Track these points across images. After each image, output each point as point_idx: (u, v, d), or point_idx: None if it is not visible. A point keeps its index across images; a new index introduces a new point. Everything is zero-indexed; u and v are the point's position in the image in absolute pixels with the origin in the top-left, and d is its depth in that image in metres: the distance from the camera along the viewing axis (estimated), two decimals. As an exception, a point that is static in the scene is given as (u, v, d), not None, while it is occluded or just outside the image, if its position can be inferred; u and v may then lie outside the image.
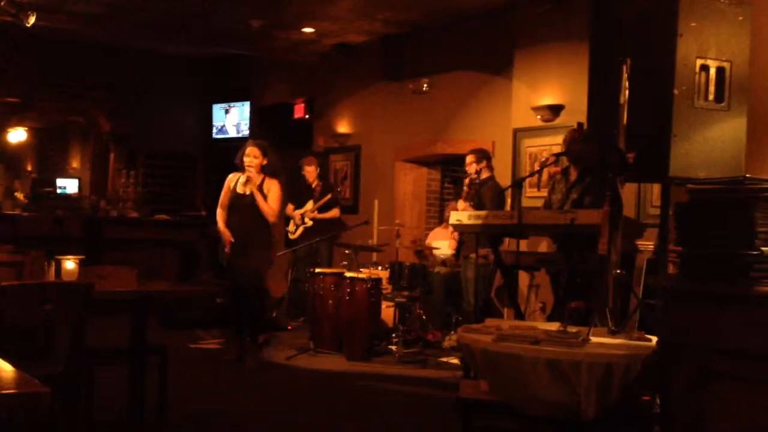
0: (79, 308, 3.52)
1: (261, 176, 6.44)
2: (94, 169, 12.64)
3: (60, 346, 3.88)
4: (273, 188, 6.44)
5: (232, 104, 12.43)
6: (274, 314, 8.55)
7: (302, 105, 10.91)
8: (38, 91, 11.27)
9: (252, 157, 6.41)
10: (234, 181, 6.53)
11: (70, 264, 3.89)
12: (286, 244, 9.18)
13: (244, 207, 6.40)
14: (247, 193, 6.38)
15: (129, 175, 10.38)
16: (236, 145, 12.10)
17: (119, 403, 4.37)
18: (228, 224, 6.48)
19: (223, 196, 6.55)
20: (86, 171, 13.53)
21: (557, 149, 5.83)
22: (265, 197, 6.39)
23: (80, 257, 3.99)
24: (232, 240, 6.38)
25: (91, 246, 8.80)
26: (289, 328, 8.58)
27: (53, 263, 3.94)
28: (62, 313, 3.50)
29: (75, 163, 15.08)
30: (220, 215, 6.54)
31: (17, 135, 15.70)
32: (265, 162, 6.45)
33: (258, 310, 6.77)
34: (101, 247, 9.13)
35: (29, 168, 16.60)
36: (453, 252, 7.69)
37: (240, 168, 6.48)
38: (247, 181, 6.37)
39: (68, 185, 13.19)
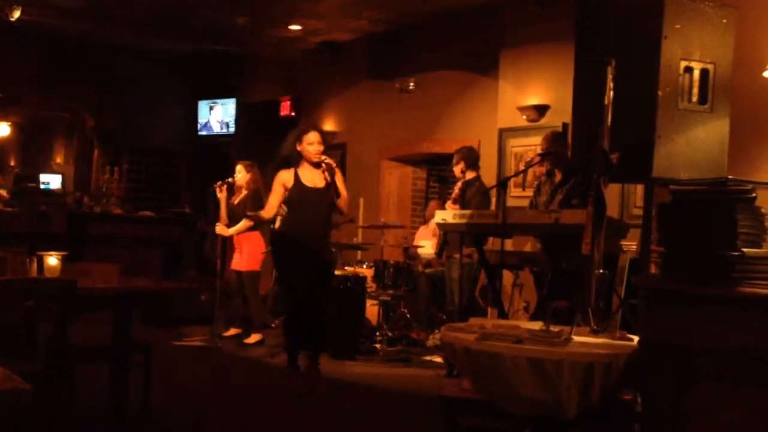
0: (62, 305, 3.50)
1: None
2: (78, 165, 12.58)
3: (42, 343, 3.85)
4: (339, 177, 5.72)
5: (217, 101, 12.39)
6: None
7: (288, 102, 10.89)
8: (22, 86, 11.19)
9: (317, 143, 5.62)
10: (291, 179, 5.67)
11: (52, 260, 3.87)
12: (271, 241, 9.16)
13: (316, 202, 5.65)
14: (322, 185, 5.62)
15: (113, 171, 10.32)
16: (222, 142, 12.19)
17: (102, 401, 4.34)
18: (290, 223, 5.79)
19: (278, 199, 5.72)
20: (70, 167, 13.46)
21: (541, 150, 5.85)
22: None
23: (63, 253, 3.96)
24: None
25: (74, 242, 8.75)
26: (273, 325, 8.57)
27: (35, 259, 3.91)
28: (44, 310, 3.48)
29: (59, 159, 14.98)
30: (266, 214, 5.88)
31: (0, 130, 15.58)
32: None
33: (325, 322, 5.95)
34: (85, 244, 9.08)
35: (12, 163, 16.47)
36: (435, 251, 7.71)
37: (290, 162, 5.72)
38: (327, 169, 5.56)
39: (51, 181, 13.11)
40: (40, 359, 3.67)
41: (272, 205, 5.77)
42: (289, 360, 5.74)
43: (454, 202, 6.60)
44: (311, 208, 5.64)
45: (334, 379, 6.00)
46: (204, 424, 4.78)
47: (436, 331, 7.13)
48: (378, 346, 6.98)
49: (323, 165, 5.58)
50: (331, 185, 5.57)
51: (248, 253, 7.54)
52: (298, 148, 5.64)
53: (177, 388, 5.49)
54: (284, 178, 5.68)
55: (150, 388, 4.47)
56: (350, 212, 9.11)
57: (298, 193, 5.64)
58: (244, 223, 7.48)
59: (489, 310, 7.09)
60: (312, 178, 5.64)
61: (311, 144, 5.60)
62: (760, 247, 2.53)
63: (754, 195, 2.53)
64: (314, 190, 5.62)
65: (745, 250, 2.47)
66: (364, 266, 7.89)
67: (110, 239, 9.20)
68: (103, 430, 4.33)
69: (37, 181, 12.51)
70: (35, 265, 3.88)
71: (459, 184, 6.82)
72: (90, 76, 11.51)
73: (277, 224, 8.65)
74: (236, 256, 7.58)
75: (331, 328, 6.89)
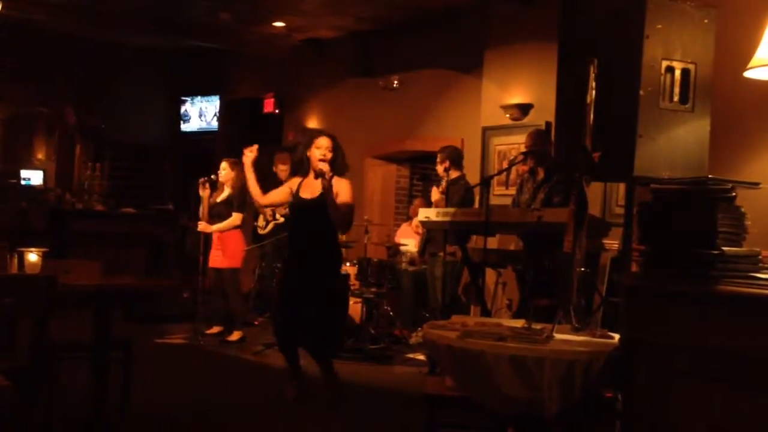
0: (42, 301, 3.48)
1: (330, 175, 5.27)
2: (60, 161, 12.47)
3: (22, 340, 3.83)
4: (343, 188, 5.27)
5: (201, 98, 12.34)
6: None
7: (272, 100, 10.88)
8: (3, 81, 11.08)
9: (325, 149, 5.27)
10: (295, 187, 5.38)
11: (32, 257, 3.84)
12: (254, 239, 9.16)
13: (308, 215, 5.27)
14: (316, 194, 5.22)
15: (95, 168, 10.25)
16: (205, 139, 12.16)
17: (82, 398, 4.32)
18: (289, 237, 5.55)
19: (279, 196, 5.54)
20: (51, 163, 13.35)
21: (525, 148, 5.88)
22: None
23: (43, 250, 3.93)
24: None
25: (56, 239, 8.69)
26: (256, 323, 8.57)
27: (16, 256, 3.88)
28: (24, 307, 3.46)
29: (40, 155, 14.84)
30: (261, 198, 5.50)
31: (-19, 125, 15.43)
32: (332, 156, 5.32)
33: (329, 335, 5.54)
34: (66, 241, 9.01)
35: (-7, 159, 16.32)
36: (417, 249, 7.72)
37: (300, 168, 5.44)
38: (319, 176, 5.13)
39: (33, 177, 12.99)
40: (21, 356, 3.64)
41: (271, 195, 5.54)
42: (287, 364, 5.45)
43: (442, 192, 6.58)
44: (303, 221, 5.31)
45: (317, 377, 6.00)
46: (185, 422, 4.76)
47: (419, 329, 7.15)
48: (361, 343, 6.98)
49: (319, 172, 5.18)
50: (325, 195, 5.14)
51: (229, 251, 7.52)
52: (308, 153, 5.32)
53: (158, 386, 5.47)
54: (293, 182, 5.46)
55: (131, 385, 4.45)
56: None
57: (294, 204, 5.37)
58: (229, 221, 7.47)
59: (472, 308, 7.11)
60: (310, 189, 5.29)
61: (318, 148, 5.27)
62: (740, 245, 2.55)
63: (734, 194, 2.55)
64: (307, 202, 5.26)
65: (725, 248, 2.49)
66: (348, 264, 7.89)
67: (92, 236, 9.12)
68: (84, 427, 4.31)
69: (18, 177, 12.40)
70: (16, 261, 3.86)
71: (443, 185, 6.81)
72: (72, 71, 11.42)
73: (268, 228, 8.72)
74: (216, 253, 7.55)
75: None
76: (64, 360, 4.24)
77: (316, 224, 5.24)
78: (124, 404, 4.42)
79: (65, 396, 4.36)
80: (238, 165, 7.68)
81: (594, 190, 5.94)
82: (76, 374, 4.37)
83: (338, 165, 5.33)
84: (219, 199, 7.60)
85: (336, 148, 5.36)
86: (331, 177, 5.13)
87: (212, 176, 7.59)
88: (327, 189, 5.11)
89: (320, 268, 5.32)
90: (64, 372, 4.27)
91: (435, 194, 6.62)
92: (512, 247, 6.37)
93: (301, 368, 5.46)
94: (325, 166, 5.15)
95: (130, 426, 4.44)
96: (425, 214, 5.73)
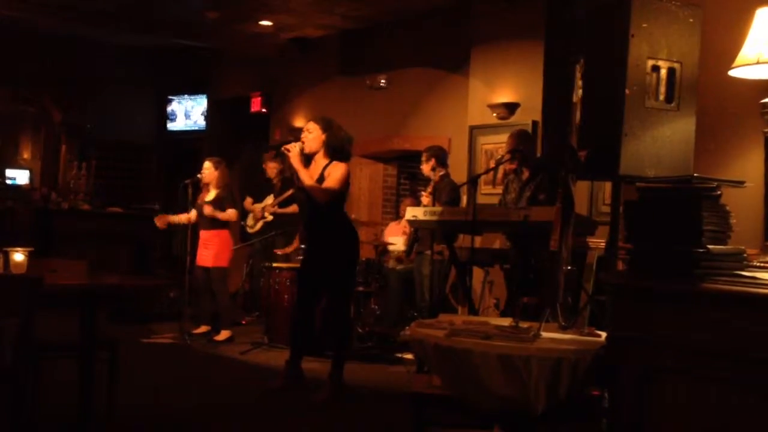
0: (27, 301, 3.46)
1: (326, 159, 5.38)
2: (46, 161, 12.41)
3: (7, 340, 3.80)
4: (334, 172, 5.32)
5: (188, 97, 12.30)
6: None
7: (259, 98, 10.85)
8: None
9: (306, 132, 5.38)
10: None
11: (18, 256, 3.81)
12: (242, 237, 9.14)
13: (303, 199, 5.43)
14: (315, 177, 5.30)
15: (81, 167, 10.20)
16: (192, 138, 12.11)
17: (68, 399, 4.30)
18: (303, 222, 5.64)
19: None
20: (37, 162, 13.28)
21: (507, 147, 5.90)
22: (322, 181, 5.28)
23: (29, 249, 3.90)
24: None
25: (41, 238, 8.65)
26: (244, 322, 8.55)
27: (1, 255, 3.85)
28: (9, 306, 3.43)
29: (26, 154, 14.77)
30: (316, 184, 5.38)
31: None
32: (324, 136, 5.37)
33: (345, 329, 5.58)
34: (52, 240, 8.98)
35: (-22, 159, 16.20)
36: (404, 249, 7.73)
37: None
38: (280, 153, 5.39)
39: (18, 176, 12.92)
40: (6, 356, 3.62)
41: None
42: (290, 356, 5.58)
43: (430, 193, 6.60)
44: (302, 206, 5.56)
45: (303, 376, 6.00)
46: (172, 423, 4.75)
47: (407, 327, 7.15)
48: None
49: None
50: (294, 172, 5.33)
51: (218, 249, 7.50)
52: None
53: (145, 386, 5.45)
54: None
55: (117, 386, 4.42)
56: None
57: (298, 192, 5.58)
58: (228, 214, 7.46)
59: (459, 306, 7.12)
60: (310, 173, 5.33)
61: (302, 134, 5.43)
62: (725, 243, 2.57)
63: (719, 193, 2.56)
64: (300, 186, 5.40)
65: (710, 246, 2.51)
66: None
67: (78, 235, 9.09)
68: (69, 428, 4.28)
69: (4, 177, 12.33)
70: (1, 261, 3.83)
71: (430, 187, 6.82)
72: (58, 69, 11.35)
73: (257, 226, 8.69)
74: (204, 252, 7.53)
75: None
76: (50, 360, 4.22)
77: (312, 205, 5.34)
78: (110, 405, 4.40)
79: (51, 396, 4.34)
80: (221, 164, 7.67)
81: (580, 189, 5.97)
82: (62, 374, 4.34)
83: (330, 147, 5.41)
84: (207, 199, 7.58)
85: (326, 128, 5.41)
86: (328, 164, 5.33)
87: (197, 176, 7.56)
88: (289, 165, 5.38)
89: (330, 249, 5.38)
90: (49, 372, 4.24)
91: (425, 199, 6.63)
92: (497, 245, 6.39)
93: (300, 367, 5.54)
94: (290, 146, 5.31)
95: (116, 426, 4.41)
96: (413, 213, 5.74)
